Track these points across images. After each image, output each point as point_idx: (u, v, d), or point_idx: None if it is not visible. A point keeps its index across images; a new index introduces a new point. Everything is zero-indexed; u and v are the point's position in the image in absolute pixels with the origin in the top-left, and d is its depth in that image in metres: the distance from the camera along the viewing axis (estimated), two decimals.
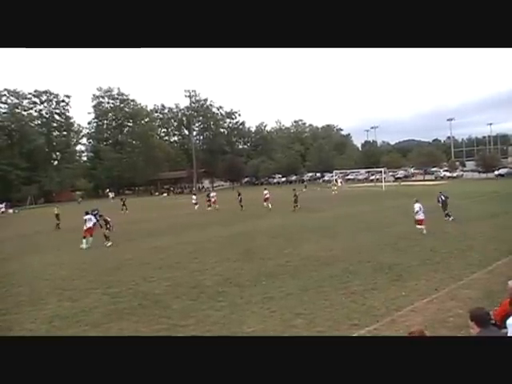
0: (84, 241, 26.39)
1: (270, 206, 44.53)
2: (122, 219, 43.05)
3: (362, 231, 25.02)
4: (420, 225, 23.77)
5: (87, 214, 27.71)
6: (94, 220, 27.74)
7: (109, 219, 28.57)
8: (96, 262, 21.94)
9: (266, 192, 47.63)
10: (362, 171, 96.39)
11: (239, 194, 48.50)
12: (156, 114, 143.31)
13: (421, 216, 23.84)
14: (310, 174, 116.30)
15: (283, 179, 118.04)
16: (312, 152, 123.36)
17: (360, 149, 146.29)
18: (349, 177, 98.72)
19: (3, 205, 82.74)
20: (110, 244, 26.91)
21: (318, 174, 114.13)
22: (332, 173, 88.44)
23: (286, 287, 14.61)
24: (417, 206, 24.01)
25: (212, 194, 51.74)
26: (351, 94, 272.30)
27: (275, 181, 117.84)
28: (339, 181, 79.87)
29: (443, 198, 28.60)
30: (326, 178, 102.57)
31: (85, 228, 26.92)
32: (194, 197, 54.67)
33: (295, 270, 16.87)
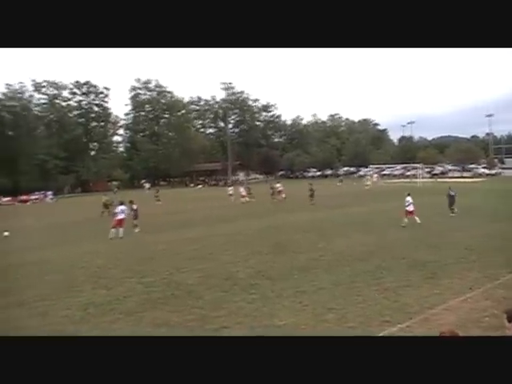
0: (112, 231, 26.68)
1: (279, 199, 45.56)
2: (157, 210, 43.53)
3: (395, 227, 24.72)
4: (410, 216, 25.36)
5: (121, 204, 28.09)
6: (126, 211, 28.01)
7: (135, 207, 29.13)
8: (131, 251, 22.24)
9: (278, 185, 48.42)
10: (398, 167, 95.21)
11: (272, 188, 49.06)
12: (192, 106, 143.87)
13: (411, 208, 25.58)
14: (346, 169, 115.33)
15: (318, 173, 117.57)
16: (348, 146, 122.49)
17: (396, 144, 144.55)
18: (385, 172, 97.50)
19: (50, 193, 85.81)
20: (138, 230, 28.04)
21: (354, 169, 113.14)
22: (369, 167, 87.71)
23: (318, 281, 14.55)
24: (409, 199, 25.82)
25: (241, 189, 52.30)
26: (389, 89, 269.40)
27: (310, 175, 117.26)
28: (374, 176, 79.16)
29: (452, 193, 29.34)
30: (361, 173, 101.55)
31: (115, 219, 27.34)
32: (229, 188, 55.34)
33: (328, 265, 16.80)
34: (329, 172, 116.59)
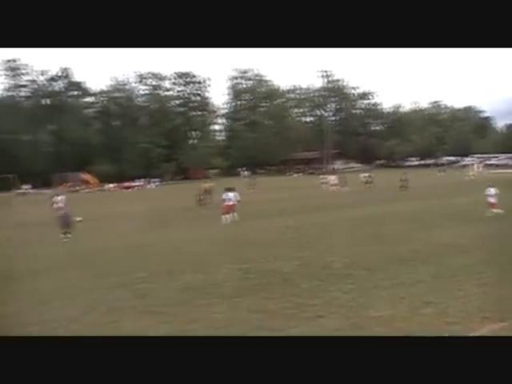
0: (223, 217, 27.31)
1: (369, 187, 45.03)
2: (254, 198, 44.10)
3: (499, 220, 23.63)
4: (493, 208, 25.01)
5: (227, 191, 28.66)
6: (234, 198, 28.66)
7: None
8: (230, 238, 22.75)
9: (365, 175, 48.31)
10: (503, 156, 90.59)
11: (365, 177, 48.89)
12: (290, 95, 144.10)
13: (492, 199, 25.30)
14: (447, 158, 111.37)
15: (419, 162, 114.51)
16: (450, 135, 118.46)
17: (503, 132, 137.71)
18: (489, 162, 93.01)
19: (157, 180, 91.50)
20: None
21: (456, 158, 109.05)
22: (471, 157, 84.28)
23: (416, 273, 14.21)
24: (491, 190, 25.51)
25: (332, 177, 52.35)
26: (495, 75, 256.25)
27: (410, 164, 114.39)
28: (477, 165, 75.98)
29: None
30: (464, 163, 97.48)
31: (225, 205, 28.09)
32: (321, 177, 55.61)
33: (427, 257, 16.35)
34: (430, 161, 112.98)
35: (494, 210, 24.72)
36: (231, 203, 28.20)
